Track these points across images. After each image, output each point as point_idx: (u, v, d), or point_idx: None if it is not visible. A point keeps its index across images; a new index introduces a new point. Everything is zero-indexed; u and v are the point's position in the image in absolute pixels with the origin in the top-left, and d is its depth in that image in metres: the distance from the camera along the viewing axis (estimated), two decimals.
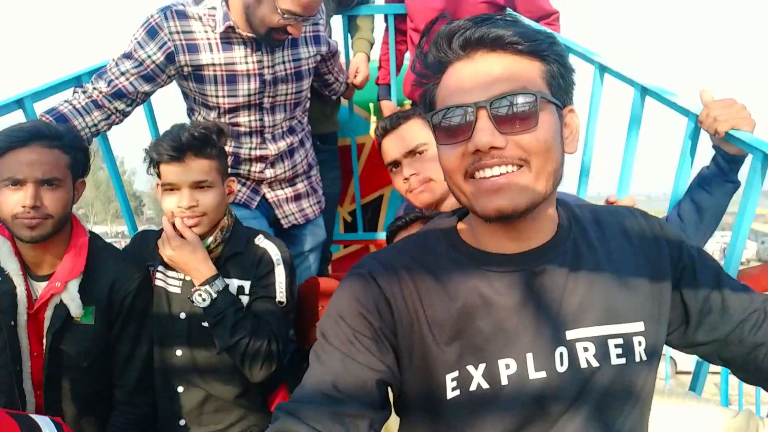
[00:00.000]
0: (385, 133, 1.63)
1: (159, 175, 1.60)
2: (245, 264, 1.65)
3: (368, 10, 2.68)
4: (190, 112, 2.06)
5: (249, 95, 1.93)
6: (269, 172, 2.09)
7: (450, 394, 0.82)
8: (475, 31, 0.79)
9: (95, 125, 1.84)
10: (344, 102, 2.77)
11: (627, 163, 1.84)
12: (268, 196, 2.14)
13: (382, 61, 2.77)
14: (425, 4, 2.46)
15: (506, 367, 0.80)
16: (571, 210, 0.92)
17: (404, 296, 0.84)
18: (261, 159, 2.06)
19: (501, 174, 0.78)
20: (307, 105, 2.19)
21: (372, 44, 2.65)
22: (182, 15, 1.85)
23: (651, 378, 0.87)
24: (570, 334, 0.82)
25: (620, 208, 0.96)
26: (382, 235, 3.10)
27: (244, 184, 2.09)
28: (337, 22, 2.65)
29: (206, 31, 1.86)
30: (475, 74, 0.79)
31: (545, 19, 2.43)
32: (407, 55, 2.83)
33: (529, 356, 0.81)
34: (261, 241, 1.70)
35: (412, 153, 1.58)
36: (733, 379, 2.43)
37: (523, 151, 0.77)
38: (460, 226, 0.92)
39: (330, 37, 2.60)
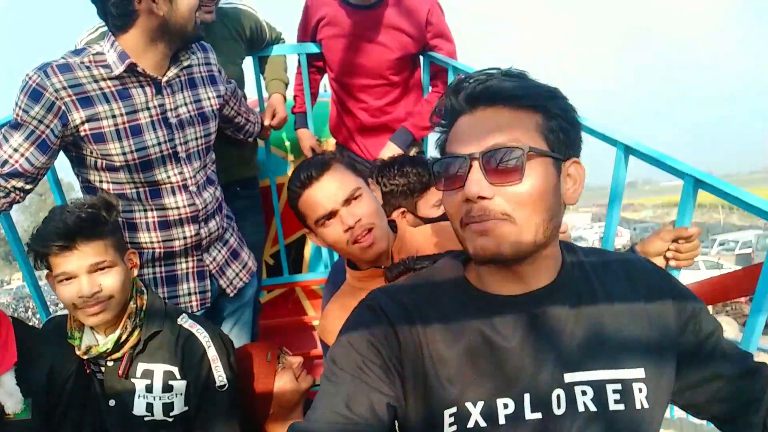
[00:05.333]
0: (309, 183, 1.37)
1: (48, 267, 1.44)
2: (169, 346, 1.52)
3: (280, 51, 2.61)
4: (87, 185, 1.77)
5: (159, 144, 1.73)
6: (205, 231, 1.87)
7: (447, 430, 0.83)
8: (477, 86, 0.85)
9: None
10: (260, 143, 2.66)
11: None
12: (211, 267, 1.93)
13: (297, 91, 2.71)
14: (343, 56, 2.46)
15: (504, 407, 0.82)
16: (576, 255, 0.94)
17: (410, 329, 0.87)
18: (193, 219, 1.84)
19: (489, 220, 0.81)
20: (213, 154, 1.97)
21: (287, 84, 2.58)
22: (65, 68, 1.60)
23: (654, 426, 0.87)
24: (568, 377, 0.83)
25: (633, 258, 0.99)
26: (307, 276, 3.02)
27: (184, 268, 1.88)
28: (247, 64, 2.54)
29: (97, 80, 1.63)
30: (473, 127, 0.85)
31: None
32: (324, 81, 2.81)
33: (527, 396, 0.82)
34: (185, 321, 1.58)
35: (349, 201, 1.37)
36: None
37: (508, 205, 0.81)
38: (467, 268, 0.95)
39: (244, 80, 2.50)
